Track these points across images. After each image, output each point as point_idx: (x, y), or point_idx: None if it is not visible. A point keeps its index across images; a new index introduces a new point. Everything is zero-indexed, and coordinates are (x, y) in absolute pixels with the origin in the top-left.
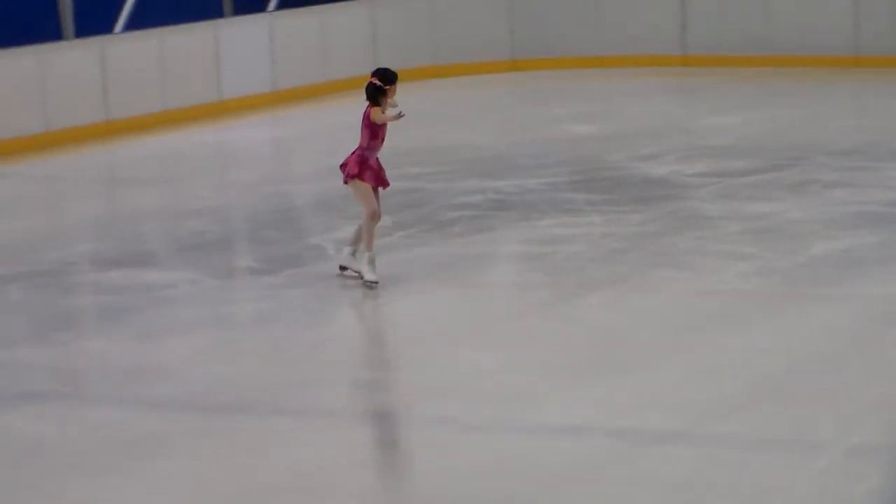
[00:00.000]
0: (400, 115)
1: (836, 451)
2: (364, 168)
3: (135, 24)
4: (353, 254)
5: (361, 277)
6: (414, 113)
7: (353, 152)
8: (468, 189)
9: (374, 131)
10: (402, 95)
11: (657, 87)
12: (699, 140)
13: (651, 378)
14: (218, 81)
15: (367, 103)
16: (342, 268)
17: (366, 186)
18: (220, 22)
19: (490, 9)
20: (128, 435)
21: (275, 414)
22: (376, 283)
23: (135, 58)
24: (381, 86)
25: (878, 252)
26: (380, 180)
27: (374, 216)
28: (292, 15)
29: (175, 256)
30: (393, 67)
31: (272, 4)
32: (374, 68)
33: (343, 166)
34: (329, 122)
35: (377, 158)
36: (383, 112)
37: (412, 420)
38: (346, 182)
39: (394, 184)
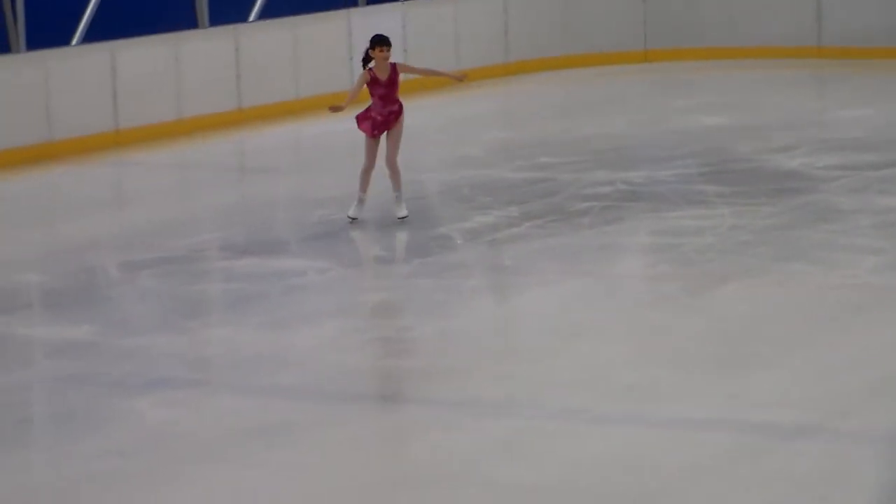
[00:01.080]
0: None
1: None
2: (363, 119)
3: (268, 12)
4: (398, 199)
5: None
6: (545, 104)
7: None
8: (598, 180)
9: (371, 91)
10: (533, 87)
11: (790, 78)
12: (831, 133)
13: (781, 373)
14: (350, 70)
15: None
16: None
17: (365, 137)
18: (354, 11)
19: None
20: (255, 423)
21: (403, 403)
22: (354, 219)
23: (268, 46)
24: (367, 49)
25: None
26: (375, 129)
27: (367, 167)
28: (426, 4)
29: (304, 245)
30: (524, 57)
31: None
32: (504, 59)
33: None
34: (455, 113)
35: (386, 111)
36: (371, 75)
37: (541, 411)
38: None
39: (524, 174)
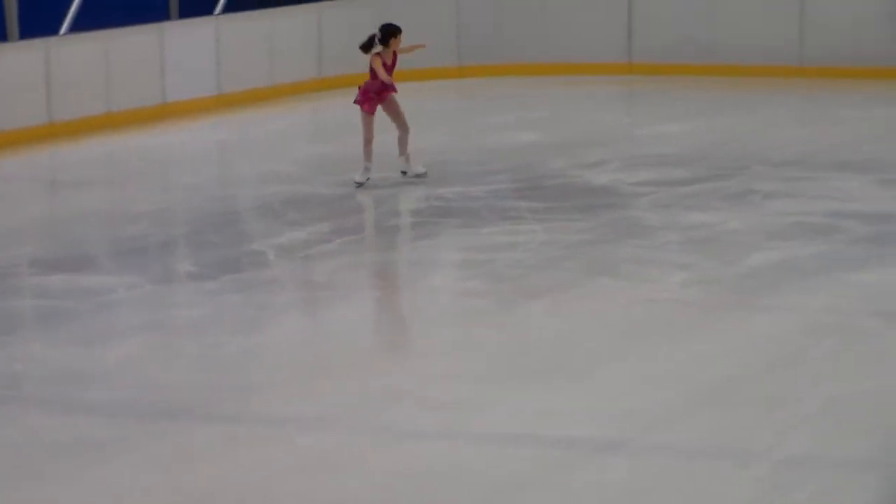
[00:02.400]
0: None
1: (772, 461)
2: (365, 100)
3: (79, 25)
4: (407, 160)
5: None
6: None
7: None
8: (411, 196)
9: (372, 73)
10: (348, 102)
11: (602, 95)
12: (642, 149)
13: (592, 387)
14: (162, 85)
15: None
16: (403, 173)
17: (364, 114)
18: (166, 25)
19: (437, 15)
20: (64, 439)
21: (211, 420)
22: (361, 184)
23: (79, 60)
24: (379, 37)
25: (816, 262)
26: (377, 102)
27: (368, 139)
28: (239, 19)
29: (115, 260)
30: (338, 73)
31: (219, 7)
32: (319, 73)
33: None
34: (274, 127)
35: (381, 89)
36: (385, 63)
37: (353, 427)
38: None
39: (337, 190)
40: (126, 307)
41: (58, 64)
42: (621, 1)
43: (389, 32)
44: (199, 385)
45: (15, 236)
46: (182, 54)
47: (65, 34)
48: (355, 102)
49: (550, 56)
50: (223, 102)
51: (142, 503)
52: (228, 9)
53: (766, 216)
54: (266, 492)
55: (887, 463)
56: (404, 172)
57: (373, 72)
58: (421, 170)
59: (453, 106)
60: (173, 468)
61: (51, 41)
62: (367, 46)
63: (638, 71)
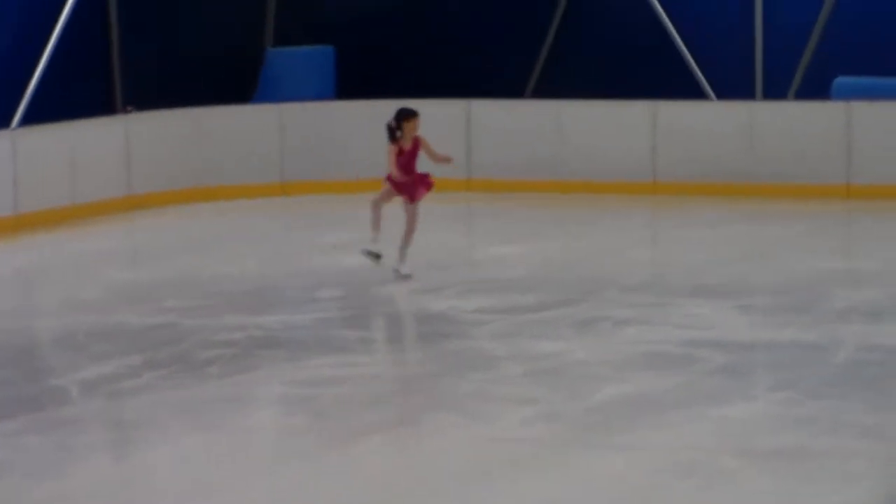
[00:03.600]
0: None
1: None
2: (399, 184)
3: None
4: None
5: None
6: (173, 241)
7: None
8: (229, 325)
9: (395, 160)
10: (160, 222)
11: (439, 213)
12: (483, 272)
13: None
14: None
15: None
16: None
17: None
18: None
19: (260, 129)
20: None
21: None
22: (379, 256)
23: None
24: (392, 126)
25: (672, 396)
26: (399, 188)
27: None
28: (38, 132)
29: None
30: (149, 190)
31: (15, 121)
32: (128, 190)
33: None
34: (72, 250)
35: (405, 178)
36: (399, 147)
37: None
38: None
39: (147, 319)
40: None
41: None
42: (459, 114)
43: (401, 117)
44: None
45: None
46: None
47: None
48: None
49: (382, 172)
50: (21, 223)
51: None
52: (26, 121)
53: (617, 345)
54: None
55: None
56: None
57: (398, 156)
58: (407, 272)
59: (277, 225)
60: None
61: None
62: (392, 138)
63: (477, 188)
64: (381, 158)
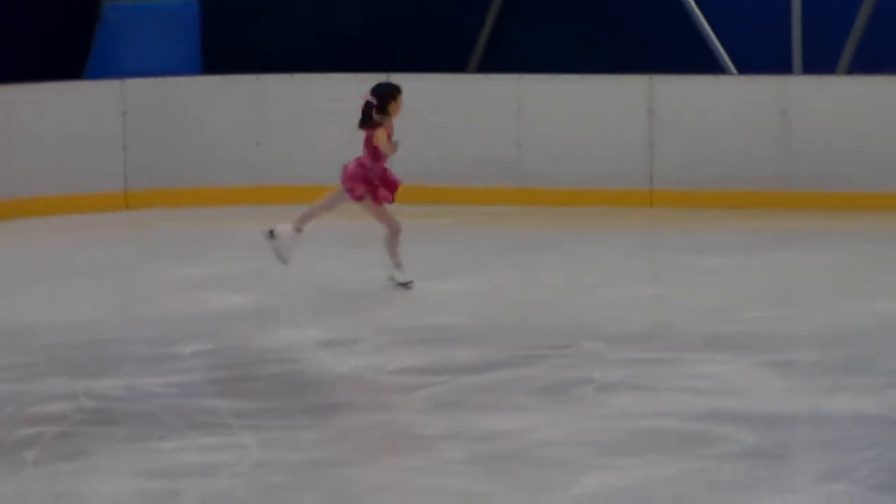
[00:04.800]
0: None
1: None
2: (372, 187)
3: None
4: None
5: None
6: None
7: (355, 168)
8: (49, 393)
9: (376, 154)
10: None
11: (349, 233)
12: (410, 317)
13: None
14: None
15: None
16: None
17: (375, 204)
18: None
19: (93, 115)
20: None
21: None
22: (411, 281)
23: None
24: (376, 104)
25: (676, 490)
26: (393, 187)
27: (398, 230)
28: None
29: None
30: None
31: None
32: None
33: (349, 182)
34: None
35: (384, 169)
36: (389, 134)
37: None
38: (358, 200)
39: None
40: None
41: None
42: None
43: (388, 94)
44: None
45: None
46: None
47: None
48: (357, 197)
49: (260, 176)
50: None
51: None
52: None
53: (600, 419)
54: None
55: None
56: (393, 280)
57: (375, 151)
58: (405, 278)
59: (118, 253)
60: None
61: None
62: (367, 121)
63: (404, 198)
64: (263, 157)
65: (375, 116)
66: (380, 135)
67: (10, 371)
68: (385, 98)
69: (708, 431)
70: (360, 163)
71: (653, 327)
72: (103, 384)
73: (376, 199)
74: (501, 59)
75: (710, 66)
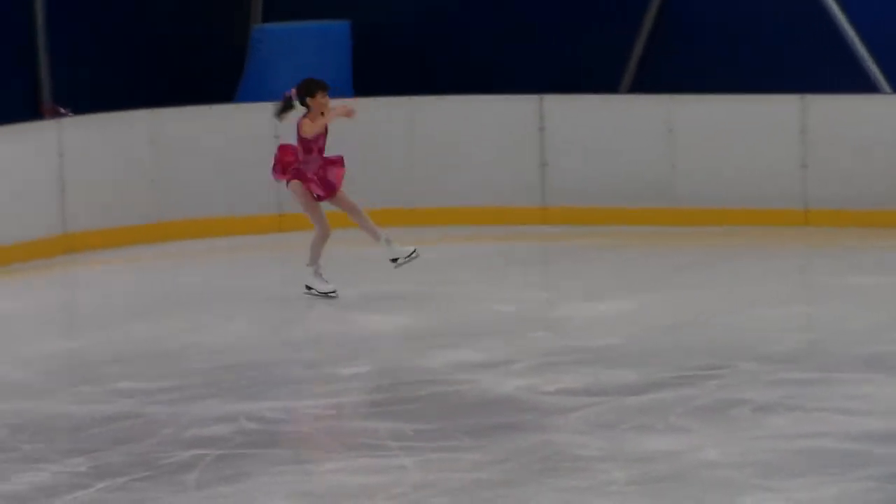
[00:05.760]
0: (348, 113)
1: None
2: (306, 180)
3: None
4: (388, 242)
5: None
6: (124, 297)
7: (286, 151)
8: (209, 415)
9: (306, 145)
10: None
11: (501, 256)
12: (565, 339)
13: None
14: None
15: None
16: (308, 287)
17: (306, 201)
18: None
19: (246, 137)
20: None
21: None
22: (334, 291)
23: None
24: (291, 99)
25: None
26: (328, 188)
27: (326, 234)
28: None
29: None
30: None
31: None
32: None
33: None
34: None
35: (320, 165)
36: (312, 122)
37: None
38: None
39: (93, 407)
40: None
41: None
42: (527, 115)
43: (311, 87)
44: None
45: None
46: None
47: None
48: (275, 178)
49: (411, 198)
50: None
51: None
52: None
53: (758, 440)
54: None
55: None
56: (309, 288)
57: (304, 143)
58: (327, 287)
59: (273, 274)
60: None
61: None
62: (284, 110)
63: (554, 219)
64: (414, 178)
65: (294, 106)
66: (303, 125)
67: (167, 393)
68: (304, 91)
69: (867, 452)
70: (292, 149)
71: (807, 347)
72: (262, 406)
73: (308, 190)
74: (652, 80)
75: (864, 84)
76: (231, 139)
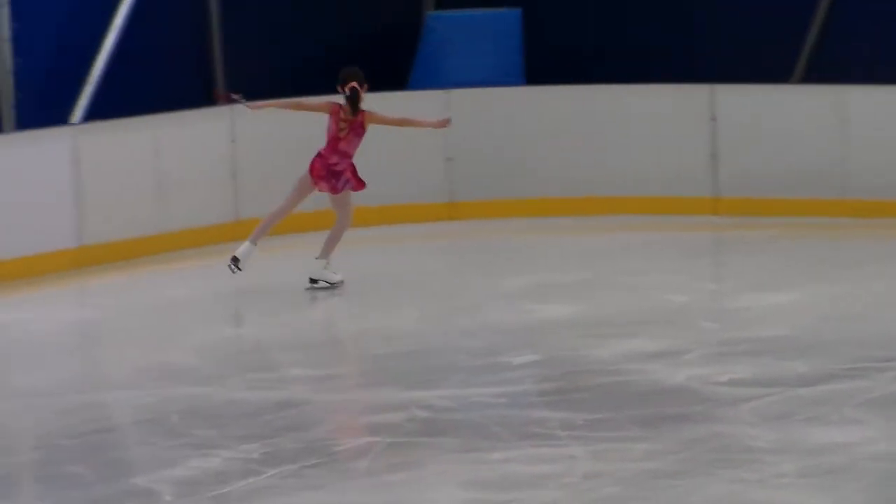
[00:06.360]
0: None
1: None
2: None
3: None
4: (326, 265)
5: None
6: (297, 282)
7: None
8: (380, 403)
9: (334, 131)
10: (280, 254)
11: (672, 246)
12: (736, 330)
13: None
14: None
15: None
16: (312, 280)
17: (302, 176)
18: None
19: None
20: None
21: None
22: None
23: None
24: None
25: None
26: (321, 176)
27: (281, 211)
28: (102, 129)
29: None
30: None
31: (78, 115)
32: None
33: (339, 175)
34: (164, 297)
35: (336, 163)
36: (341, 117)
37: None
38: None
39: (265, 394)
40: None
41: None
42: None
43: (347, 76)
44: None
45: None
46: (22, 186)
47: None
48: (355, 188)
49: (582, 187)
50: (85, 256)
51: None
52: (91, 116)
53: None
54: None
55: None
56: (314, 281)
57: (336, 124)
58: (336, 277)
59: (442, 262)
60: None
61: None
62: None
63: (725, 209)
64: (586, 168)
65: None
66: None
67: (342, 380)
68: (344, 78)
69: None
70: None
71: None
72: (433, 394)
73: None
74: (825, 70)
75: None
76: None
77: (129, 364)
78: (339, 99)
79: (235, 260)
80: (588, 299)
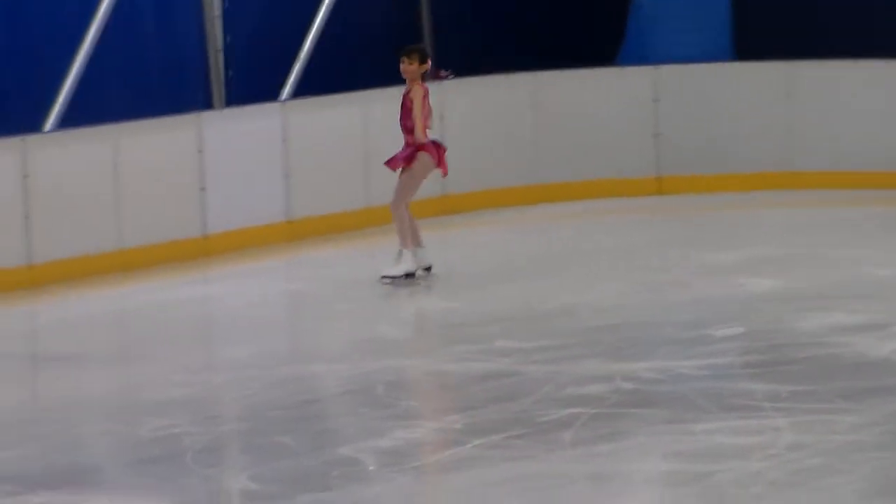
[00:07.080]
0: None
1: None
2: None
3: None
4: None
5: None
6: (499, 258)
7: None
8: (586, 374)
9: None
10: (482, 231)
11: (868, 216)
12: None
13: None
14: (202, 208)
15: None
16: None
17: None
18: (206, 116)
19: (626, 100)
20: None
21: None
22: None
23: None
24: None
25: None
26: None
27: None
28: (310, 106)
29: (130, 473)
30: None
31: (286, 92)
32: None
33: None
34: (369, 268)
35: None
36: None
37: None
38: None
39: (471, 366)
40: None
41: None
42: None
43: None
44: None
45: None
46: (232, 162)
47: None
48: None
49: (786, 161)
50: (294, 232)
51: None
52: (299, 93)
53: None
54: None
55: None
56: (410, 275)
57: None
58: (393, 271)
59: (647, 236)
60: None
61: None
62: (416, 57)
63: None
64: (791, 142)
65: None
66: (416, 92)
67: (547, 352)
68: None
69: None
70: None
71: None
72: (638, 366)
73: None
74: None
75: None
76: (612, 102)
77: (337, 337)
78: (411, 76)
79: (411, 275)
80: (792, 273)
